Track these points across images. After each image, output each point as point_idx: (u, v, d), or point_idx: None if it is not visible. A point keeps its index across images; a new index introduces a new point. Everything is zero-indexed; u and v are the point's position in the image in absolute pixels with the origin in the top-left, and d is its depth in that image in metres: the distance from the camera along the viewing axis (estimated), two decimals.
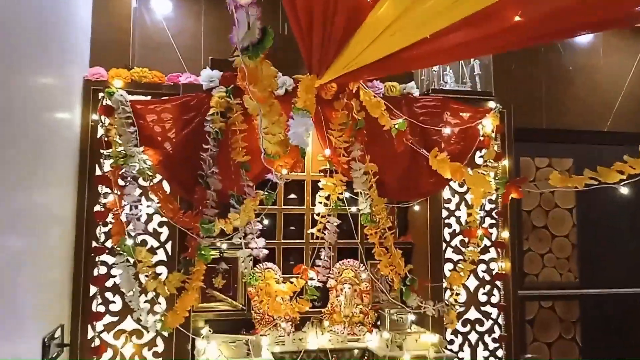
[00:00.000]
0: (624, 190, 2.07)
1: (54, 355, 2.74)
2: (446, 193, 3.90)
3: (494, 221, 3.92)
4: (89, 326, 3.27)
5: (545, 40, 3.81)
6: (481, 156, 3.85)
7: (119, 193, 3.15)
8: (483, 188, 2.91)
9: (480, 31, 2.32)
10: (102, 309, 3.31)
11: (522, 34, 2.34)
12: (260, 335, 3.50)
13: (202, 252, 3.15)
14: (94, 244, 3.30)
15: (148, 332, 3.33)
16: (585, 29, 2.43)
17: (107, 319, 3.32)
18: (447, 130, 3.60)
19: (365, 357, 3.62)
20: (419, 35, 2.36)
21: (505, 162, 3.89)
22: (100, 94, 3.33)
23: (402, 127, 3.32)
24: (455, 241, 3.88)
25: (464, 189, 3.89)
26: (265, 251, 3.26)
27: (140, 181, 3.24)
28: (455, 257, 3.86)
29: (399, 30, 2.31)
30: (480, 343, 3.88)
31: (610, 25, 2.98)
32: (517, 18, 2.12)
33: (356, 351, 3.64)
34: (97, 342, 3.27)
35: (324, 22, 2.27)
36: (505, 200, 3.27)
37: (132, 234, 3.13)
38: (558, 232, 4.87)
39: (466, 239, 3.71)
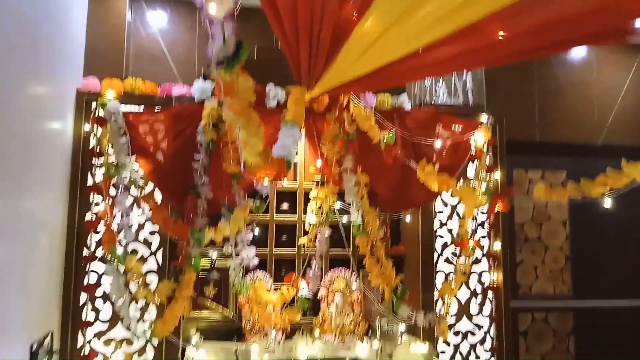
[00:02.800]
0: (607, 204, 2.09)
1: None
2: (438, 205, 3.91)
3: (485, 233, 3.92)
4: (79, 333, 3.28)
5: (534, 55, 3.82)
6: (474, 169, 3.86)
7: (110, 202, 3.18)
8: (469, 200, 2.92)
9: (468, 45, 2.35)
10: (92, 316, 3.33)
11: (509, 48, 2.37)
12: (252, 342, 3.50)
13: (193, 261, 3.17)
14: (85, 252, 3.32)
15: (138, 339, 3.34)
16: (572, 44, 2.44)
17: (97, 326, 3.34)
18: (438, 144, 3.63)
19: None
20: (405, 50, 2.38)
21: (498, 175, 3.89)
22: (93, 104, 3.37)
23: (391, 140, 3.35)
24: (447, 252, 3.88)
25: (456, 200, 3.89)
26: (256, 260, 3.28)
27: (132, 190, 3.27)
28: (447, 269, 3.86)
29: (385, 45, 2.33)
30: (472, 354, 3.88)
31: (597, 41, 2.99)
32: (501, 33, 2.15)
33: None
34: (87, 349, 3.29)
35: (310, 36, 2.30)
36: (491, 211, 3.28)
37: (123, 242, 3.16)
38: (551, 243, 4.87)
39: (457, 251, 3.73)
